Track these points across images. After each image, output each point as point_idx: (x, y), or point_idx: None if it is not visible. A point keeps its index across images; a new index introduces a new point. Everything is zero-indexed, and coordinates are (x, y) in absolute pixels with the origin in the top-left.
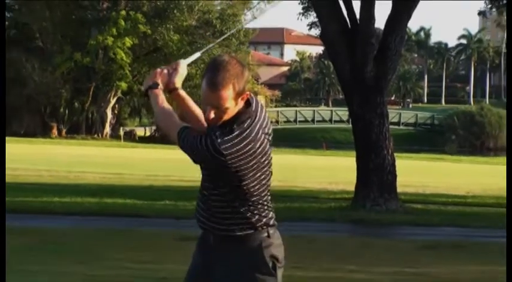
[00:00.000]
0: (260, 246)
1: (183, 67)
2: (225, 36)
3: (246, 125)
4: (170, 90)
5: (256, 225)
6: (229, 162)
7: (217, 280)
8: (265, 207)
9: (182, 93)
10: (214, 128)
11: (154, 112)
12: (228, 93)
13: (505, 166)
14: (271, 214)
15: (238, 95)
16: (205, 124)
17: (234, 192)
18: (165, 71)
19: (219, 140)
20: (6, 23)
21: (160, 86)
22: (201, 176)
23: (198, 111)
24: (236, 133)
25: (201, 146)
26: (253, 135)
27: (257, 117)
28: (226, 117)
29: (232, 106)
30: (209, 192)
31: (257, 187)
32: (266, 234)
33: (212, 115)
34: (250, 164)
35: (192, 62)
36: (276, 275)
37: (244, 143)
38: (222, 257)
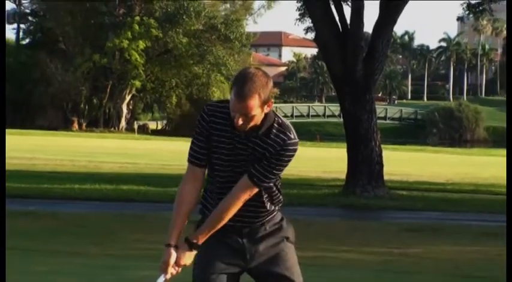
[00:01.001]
0: (283, 222)
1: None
2: None
3: (284, 120)
4: (191, 245)
5: (276, 206)
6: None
7: (255, 253)
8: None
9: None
10: (248, 134)
11: (218, 226)
12: (254, 103)
13: (491, 158)
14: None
15: (264, 103)
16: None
17: (271, 188)
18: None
19: (293, 140)
20: (31, 27)
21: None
22: (211, 170)
23: (185, 210)
24: (292, 130)
25: (288, 157)
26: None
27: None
28: (253, 123)
29: (258, 113)
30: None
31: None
32: (281, 213)
33: (240, 122)
34: None
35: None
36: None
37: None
38: (255, 235)
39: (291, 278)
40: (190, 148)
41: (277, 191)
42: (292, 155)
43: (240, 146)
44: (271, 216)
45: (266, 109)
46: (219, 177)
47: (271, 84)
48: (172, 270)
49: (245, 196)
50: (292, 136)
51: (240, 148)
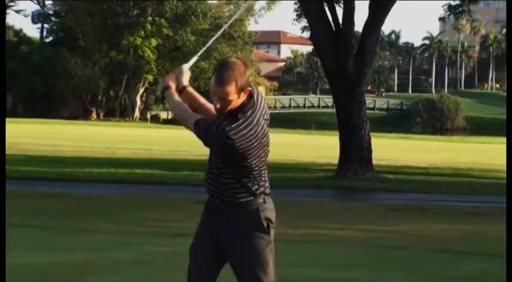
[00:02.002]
0: (257, 210)
1: (186, 70)
2: (219, 33)
3: (248, 113)
4: (180, 90)
5: (255, 193)
6: (236, 145)
7: (221, 236)
8: (263, 179)
9: (191, 90)
10: (223, 117)
11: (172, 109)
12: (231, 89)
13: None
14: (267, 184)
15: (240, 90)
16: (214, 113)
17: (239, 168)
18: (173, 75)
19: (227, 127)
20: (54, 26)
21: (173, 87)
22: (209, 155)
23: (207, 104)
24: (241, 121)
25: (213, 132)
26: (255, 121)
27: (258, 107)
28: (230, 107)
29: (235, 99)
30: (218, 170)
31: (258, 163)
32: (262, 200)
33: (218, 105)
34: (253, 145)
35: (193, 65)
36: (269, 233)
37: (248, 128)
38: (226, 217)
39: (248, 265)
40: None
41: (252, 181)
42: (218, 143)
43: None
44: (246, 199)
45: (243, 96)
46: (213, 152)
47: (248, 73)
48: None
49: (189, 122)
50: (232, 124)
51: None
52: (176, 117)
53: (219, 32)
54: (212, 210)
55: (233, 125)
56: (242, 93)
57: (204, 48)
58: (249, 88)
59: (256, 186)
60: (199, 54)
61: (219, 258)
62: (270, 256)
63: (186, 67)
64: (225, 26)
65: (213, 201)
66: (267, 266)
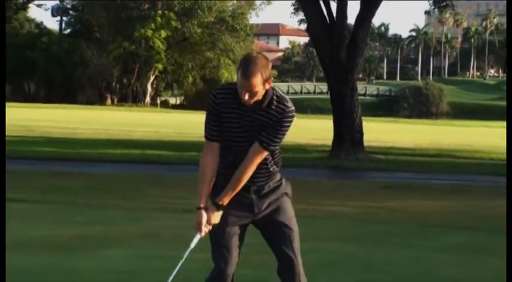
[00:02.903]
0: (282, 180)
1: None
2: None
3: (279, 93)
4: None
5: (274, 172)
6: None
7: (257, 213)
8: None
9: (203, 204)
10: (252, 107)
11: (239, 188)
12: (257, 80)
13: (456, 128)
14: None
15: (265, 81)
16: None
17: (274, 152)
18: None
19: (290, 108)
20: (72, 19)
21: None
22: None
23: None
24: (285, 97)
25: (288, 123)
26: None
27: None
28: (256, 98)
29: (261, 90)
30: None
31: None
32: (280, 176)
33: (246, 97)
34: None
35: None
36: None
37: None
38: (260, 192)
39: (289, 225)
40: (206, 127)
41: (278, 155)
42: (291, 121)
43: (247, 119)
44: (273, 175)
45: (267, 86)
46: (231, 147)
47: (270, 65)
48: (205, 229)
49: (258, 160)
50: (289, 105)
51: (247, 121)
52: (245, 177)
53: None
54: (244, 191)
55: (288, 103)
56: (266, 84)
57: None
58: (271, 79)
59: (278, 162)
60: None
61: (242, 235)
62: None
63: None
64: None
65: (248, 191)
66: (297, 232)
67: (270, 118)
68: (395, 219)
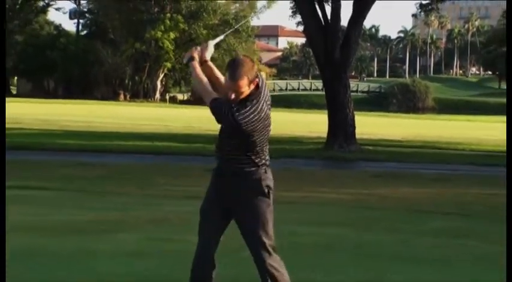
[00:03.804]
0: (260, 179)
1: (211, 46)
2: (238, 25)
3: (254, 102)
4: (202, 62)
5: (258, 164)
6: (243, 127)
7: (231, 200)
8: (265, 153)
9: (211, 64)
10: (235, 104)
11: (193, 78)
12: (243, 82)
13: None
14: (267, 157)
15: (250, 82)
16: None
17: (246, 144)
18: (199, 48)
19: (236, 113)
20: (88, 22)
21: (196, 59)
22: (219, 134)
23: (222, 78)
24: (247, 108)
25: (226, 115)
26: (259, 108)
27: (262, 94)
28: (242, 96)
29: (246, 90)
30: (229, 146)
31: (261, 141)
32: (264, 170)
33: (233, 96)
34: (258, 127)
35: (216, 43)
36: (270, 197)
37: (253, 114)
38: (235, 185)
39: (252, 223)
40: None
41: (262, 156)
42: (232, 124)
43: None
44: (250, 170)
45: (251, 86)
46: (221, 138)
47: (255, 67)
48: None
49: (205, 98)
50: (239, 113)
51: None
52: (195, 88)
53: (243, 22)
54: (222, 179)
55: (241, 111)
56: (251, 85)
57: (230, 31)
58: (257, 80)
59: (258, 159)
60: (226, 34)
61: (225, 219)
62: (270, 216)
63: (211, 43)
64: (244, 21)
65: (223, 172)
66: (267, 224)
67: (228, 107)
68: (384, 206)
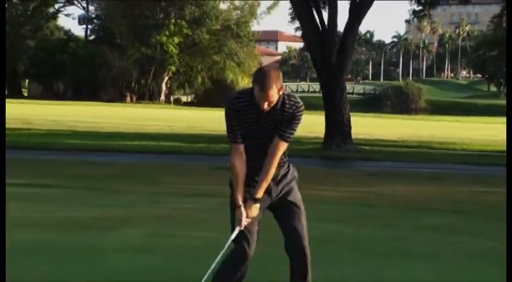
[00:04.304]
0: (290, 166)
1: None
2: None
3: (290, 95)
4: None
5: (286, 160)
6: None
7: (272, 198)
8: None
9: (240, 201)
10: (270, 112)
11: (269, 179)
12: (273, 92)
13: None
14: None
15: (279, 90)
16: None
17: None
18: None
19: (300, 104)
20: (96, 27)
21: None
22: (253, 147)
23: (242, 178)
24: (295, 96)
25: (300, 116)
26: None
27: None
28: (272, 105)
29: (276, 98)
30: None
31: None
32: (289, 165)
33: (266, 106)
34: None
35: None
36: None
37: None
38: (277, 182)
39: (298, 205)
40: (229, 132)
41: (285, 154)
42: (302, 113)
43: (265, 120)
44: (284, 164)
45: (279, 93)
46: (250, 145)
47: (281, 76)
48: (244, 223)
49: (280, 152)
50: (299, 101)
51: (264, 122)
52: (273, 169)
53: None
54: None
55: (297, 100)
56: (280, 92)
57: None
58: (283, 86)
59: (286, 157)
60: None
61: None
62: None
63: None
64: None
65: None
66: (303, 205)
67: (285, 115)
68: (380, 203)
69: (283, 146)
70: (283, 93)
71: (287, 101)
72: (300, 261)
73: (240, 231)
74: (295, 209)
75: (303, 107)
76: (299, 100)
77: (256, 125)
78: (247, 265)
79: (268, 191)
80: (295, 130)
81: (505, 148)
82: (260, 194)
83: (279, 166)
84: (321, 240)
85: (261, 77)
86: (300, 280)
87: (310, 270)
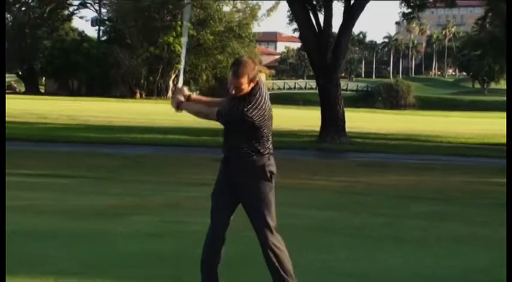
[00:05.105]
0: (263, 165)
1: (181, 86)
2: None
3: (257, 96)
4: (187, 99)
5: (262, 153)
6: (252, 119)
7: (238, 185)
8: (269, 142)
9: (193, 96)
10: (236, 100)
11: (193, 113)
12: (244, 80)
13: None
14: (271, 146)
15: (250, 80)
16: (216, 104)
17: (253, 135)
18: (176, 94)
19: (245, 108)
20: (108, 28)
21: (183, 100)
22: (224, 131)
23: (208, 100)
24: (253, 102)
25: (237, 113)
26: (262, 100)
27: (262, 89)
28: (241, 93)
29: (246, 87)
30: (236, 140)
31: (266, 131)
32: (267, 158)
33: (233, 92)
34: (265, 117)
35: (182, 81)
36: (271, 181)
37: (259, 106)
38: (241, 171)
39: (256, 200)
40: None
41: (265, 142)
42: (242, 119)
43: (232, 103)
44: (256, 158)
45: (251, 84)
46: (227, 128)
47: (256, 68)
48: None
49: (209, 117)
50: (247, 108)
51: (227, 101)
52: (199, 117)
53: (183, 52)
54: (230, 168)
55: (249, 106)
56: (251, 83)
57: (182, 64)
58: (257, 79)
59: (263, 149)
60: (182, 72)
61: (233, 202)
62: (272, 198)
63: (180, 84)
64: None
65: (231, 161)
66: (270, 205)
67: (233, 105)
68: (372, 192)
69: (213, 115)
70: (255, 96)
71: (249, 98)
72: (263, 251)
73: (213, 212)
74: (252, 205)
75: (248, 117)
76: (253, 104)
77: (226, 103)
78: (217, 247)
79: (230, 177)
80: (228, 114)
81: (489, 140)
82: (184, 104)
83: (245, 156)
84: (316, 227)
85: (237, 64)
86: (268, 263)
87: (275, 257)
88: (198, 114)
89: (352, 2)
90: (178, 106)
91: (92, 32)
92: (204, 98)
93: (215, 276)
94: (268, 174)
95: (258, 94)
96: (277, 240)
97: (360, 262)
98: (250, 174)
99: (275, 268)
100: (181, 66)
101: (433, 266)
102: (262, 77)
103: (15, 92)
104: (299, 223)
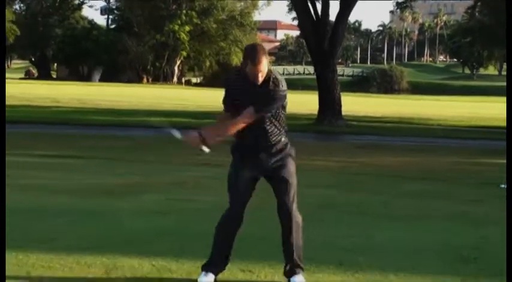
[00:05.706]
0: (287, 143)
1: (182, 137)
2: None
3: (275, 72)
4: (201, 136)
5: (286, 133)
6: (286, 95)
7: (264, 167)
8: (285, 124)
9: (204, 130)
10: (264, 86)
11: (226, 135)
12: (265, 63)
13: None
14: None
15: (268, 62)
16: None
17: (276, 116)
18: (192, 140)
19: (278, 88)
20: (116, 17)
21: (203, 135)
22: (245, 127)
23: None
24: (281, 79)
25: (274, 98)
26: (282, 79)
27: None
28: (265, 76)
29: (267, 70)
30: (260, 126)
31: (284, 111)
32: (287, 138)
33: (260, 78)
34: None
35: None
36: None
37: (284, 84)
38: (268, 153)
39: (289, 180)
40: (224, 103)
41: (283, 122)
42: (281, 98)
43: (254, 93)
44: (279, 139)
45: (269, 65)
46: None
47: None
48: (185, 139)
49: (247, 119)
50: (282, 84)
51: (253, 95)
52: (230, 132)
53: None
54: (259, 152)
55: (281, 84)
56: (269, 64)
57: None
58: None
59: (284, 129)
60: (175, 131)
61: (253, 185)
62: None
63: (181, 136)
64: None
65: (259, 148)
66: (296, 182)
67: (267, 92)
68: (367, 172)
69: (250, 116)
70: (272, 75)
71: (271, 83)
72: (286, 220)
73: (232, 192)
74: (285, 184)
75: (284, 92)
76: (283, 84)
77: (248, 97)
78: (239, 221)
79: (259, 162)
80: (269, 107)
81: (477, 123)
82: (207, 130)
83: (274, 142)
84: (313, 204)
85: (255, 50)
86: (287, 236)
87: (295, 232)
88: (229, 129)
89: None
90: (203, 141)
91: (101, 20)
92: (215, 126)
93: (232, 244)
94: (294, 152)
95: (276, 73)
96: (299, 217)
97: (359, 238)
98: (280, 154)
99: (290, 245)
100: (176, 134)
101: (426, 242)
102: None
103: (32, 78)
104: (301, 201)
